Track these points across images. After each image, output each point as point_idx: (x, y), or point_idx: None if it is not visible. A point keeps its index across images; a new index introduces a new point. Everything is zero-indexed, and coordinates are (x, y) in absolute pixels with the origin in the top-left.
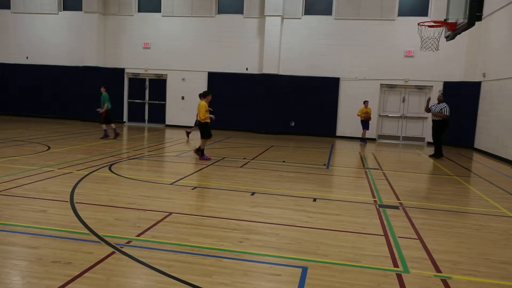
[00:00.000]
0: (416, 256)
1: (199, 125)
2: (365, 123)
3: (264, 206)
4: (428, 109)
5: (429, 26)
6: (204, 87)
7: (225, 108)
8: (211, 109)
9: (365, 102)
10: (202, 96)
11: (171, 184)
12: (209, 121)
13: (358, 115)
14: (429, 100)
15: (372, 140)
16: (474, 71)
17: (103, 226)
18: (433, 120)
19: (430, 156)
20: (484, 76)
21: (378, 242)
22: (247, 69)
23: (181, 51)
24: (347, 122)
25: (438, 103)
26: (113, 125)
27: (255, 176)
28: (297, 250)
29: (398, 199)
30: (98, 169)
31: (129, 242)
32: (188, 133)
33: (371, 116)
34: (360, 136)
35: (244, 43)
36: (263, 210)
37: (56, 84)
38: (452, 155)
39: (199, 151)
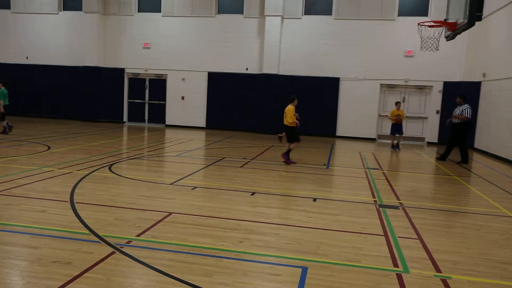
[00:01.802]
0: (416, 256)
1: (286, 129)
2: (397, 127)
3: (264, 206)
4: (450, 121)
5: (429, 26)
6: (204, 87)
7: (225, 108)
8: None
9: (397, 104)
10: (290, 101)
11: (171, 184)
12: (295, 125)
13: (389, 118)
14: (447, 120)
15: (372, 140)
16: (474, 71)
17: (103, 226)
18: (453, 123)
19: (459, 162)
20: (484, 76)
21: (378, 242)
22: (247, 69)
23: (181, 51)
24: (347, 122)
25: (459, 106)
26: (5, 122)
27: (255, 176)
28: (297, 250)
29: (398, 199)
30: (98, 169)
31: (129, 242)
32: (280, 138)
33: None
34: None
35: (244, 43)
36: (263, 210)
37: (56, 84)
38: (452, 155)
39: (286, 155)
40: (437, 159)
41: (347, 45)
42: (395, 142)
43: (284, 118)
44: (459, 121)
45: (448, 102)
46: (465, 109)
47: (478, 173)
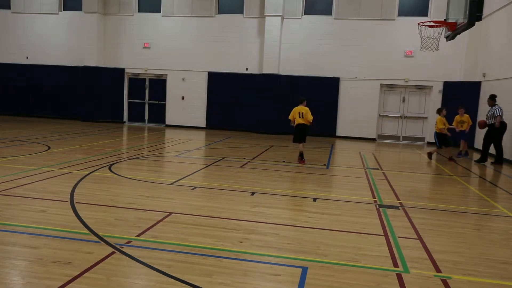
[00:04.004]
0: (416, 256)
1: (303, 129)
2: (461, 133)
3: (264, 206)
4: (483, 123)
5: (429, 26)
6: (204, 87)
7: (225, 108)
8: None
9: (460, 109)
10: (300, 102)
11: (171, 184)
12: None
13: (452, 126)
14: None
15: (372, 140)
16: (474, 71)
17: (103, 226)
18: (488, 124)
19: (492, 163)
20: (484, 76)
21: (378, 242)
22: (247, 69)
23: (181, 51)
24: (347, 122)
25: (491, 107)
26: None
27: (255, 176)
28: (297, 250)
29: (398, 199)
30: (98, 169)
31: (129, 242)
32: (430, 154)
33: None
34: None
35: (244, 43)
36: (263, 210)
37: (56, 84)
38: (452, 155)
39: (301, 157)
40: (476, 161)
41: (347, 45)
42: (463, 150)
43: (300, 118)
44: (493, 121)
45: (448, 102)
46: (496, 109)
47: (478, 173)
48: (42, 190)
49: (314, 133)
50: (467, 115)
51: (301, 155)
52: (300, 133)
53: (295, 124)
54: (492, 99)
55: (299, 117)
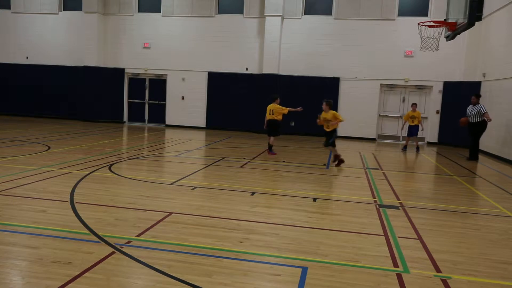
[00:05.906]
0: (416, 256)
1: (276, 124)
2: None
3: (264, 206)
4: (466, 121)
5: (429, 26)
6: (204, 87)
7: (225, 108)
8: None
9: (413, 106)
10: (274, 99)
11: (171, 184)
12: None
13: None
14: (464, 121)
15: (372, 140)
16: (474, 71)
17: (103, 226)
18: (470, 123)
19: (467, 159)
20: (484, 76)
21: (378, 242)
22: (247, 69)
23: (181, 51)
24: (347, 122)
25: (474, 105)
26: None
27: (255, 176)
28: (297, 250)
29: (398, 199)
30: (98, 169)
31: (129, 242)
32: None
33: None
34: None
35: (244, 43)
36: (263, 210)
37: (56, 84)
38: (452, 155)
39: (271, 150)
40: (468, 159)
41: (347, 45)
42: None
43: (270, 115)
44: (479, 119)
45: (448, 102)
46: (481, 107)
47: (478, 173)
48: (42, 190)
49: (314, 133)
50: (419, 112)
51: (270, 148)
52: (271, 128)
53: (266, 120)
54: (478, 97)
55: (270, 114)
